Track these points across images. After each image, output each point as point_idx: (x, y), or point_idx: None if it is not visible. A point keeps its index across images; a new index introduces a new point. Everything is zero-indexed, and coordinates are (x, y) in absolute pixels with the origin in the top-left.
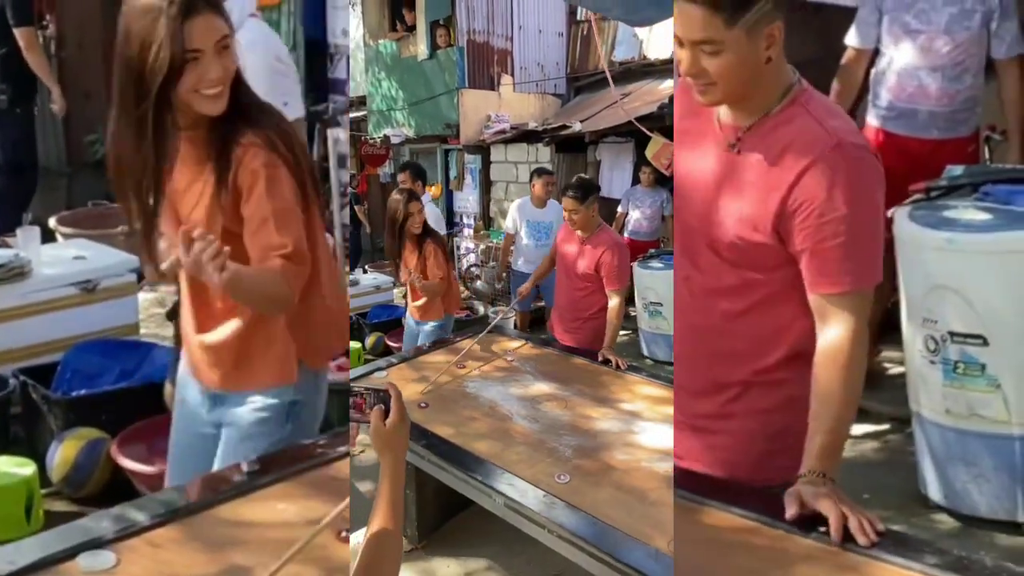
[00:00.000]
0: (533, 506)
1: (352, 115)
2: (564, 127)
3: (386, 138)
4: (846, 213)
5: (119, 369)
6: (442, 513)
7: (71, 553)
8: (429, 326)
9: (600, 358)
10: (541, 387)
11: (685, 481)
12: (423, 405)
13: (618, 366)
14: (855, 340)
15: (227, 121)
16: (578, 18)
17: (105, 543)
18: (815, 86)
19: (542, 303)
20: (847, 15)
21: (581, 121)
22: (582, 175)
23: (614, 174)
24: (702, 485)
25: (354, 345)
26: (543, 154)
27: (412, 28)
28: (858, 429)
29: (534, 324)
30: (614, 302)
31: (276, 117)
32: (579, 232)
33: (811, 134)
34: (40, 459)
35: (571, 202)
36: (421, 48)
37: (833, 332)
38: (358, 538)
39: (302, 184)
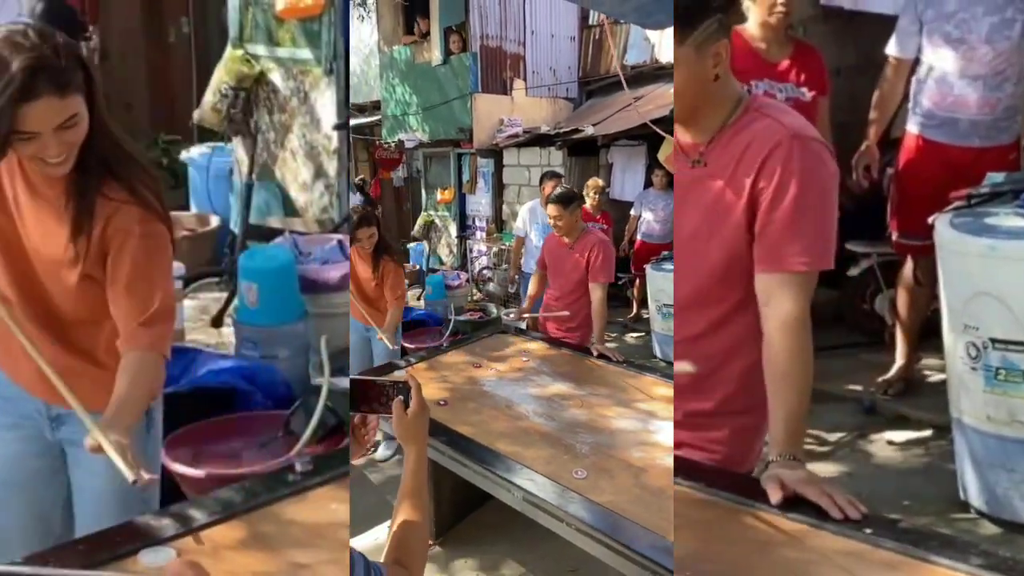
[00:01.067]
0: (551, 500)
1: (366, 120)
2: (576, 130)
3: (400, 143)
4: (795, 195)
5: (166, 374)
6: (458, 510)
7: (132, 550)
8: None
9: (595, 352)
10: (558, 387)
11: (686, 471)
12: (442, 403)
13: (609, 358)
14: (803, 320)
15: (85, 172)
16: (590, 22)
17: (165, 540)
18: (853, 93)
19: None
20: (884, 22)
21: (593, 124)
22: (565, 186)
23: (626, 177)
24: (704, 474)
25: None
26: (555, 157)
27: (426, 34)
28: (899, 436)
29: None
30: (598, 295)
31: (139, 164)
32: (565, 239)
33: (769, 130)
34: None
35: (556, 208)
36: (435, 54)
37: (780, 312)
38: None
39: (169, 228)
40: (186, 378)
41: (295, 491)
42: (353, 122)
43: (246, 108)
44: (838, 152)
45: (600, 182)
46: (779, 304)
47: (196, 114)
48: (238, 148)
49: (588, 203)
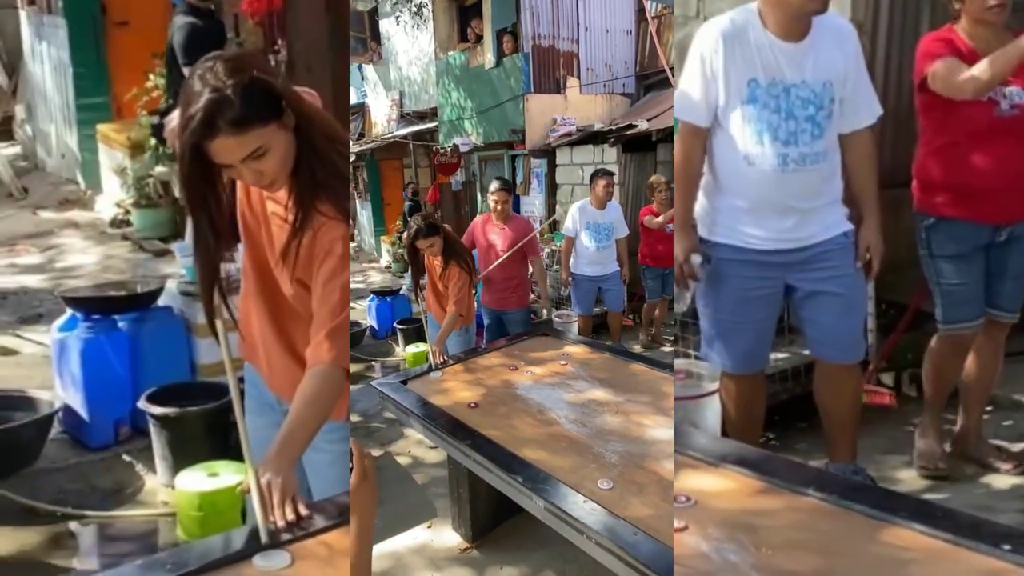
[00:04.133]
0: (572, 511)
1: (425, 126)
2: (630, 127)
3: (456, 147)
4: None
5: None
6: (496, 515)
7: (248, 553)
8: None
9: (559, 317)
10: (595, 392)
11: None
12: (473, 406)
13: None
14: None
15: (301, 187)
16: (647, 15)
17: (281, 544)
18: None
19: (603, 307)
20: None
21: (648, 119)
22: (500, 177)
23: None
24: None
25: (422, 347)
26: (609, 155)
27: (480, 38)
28: None
29: (597, 329)
30: (538, 265)
31: (345, 182)
32: (498, 221)
33: None
34: None
35: (503, 195)
36: (488, 57)
37: None
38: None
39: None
40: None
41: None
42: (413, 129)
43: None
44: None
45: (662, 179)
46: None
47: None
48: None
49: (654, 203)
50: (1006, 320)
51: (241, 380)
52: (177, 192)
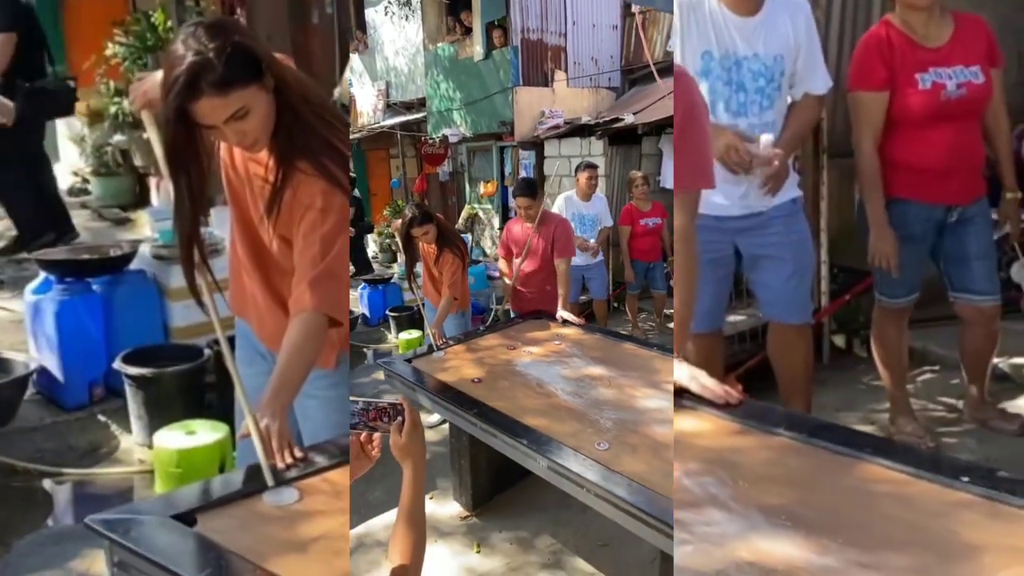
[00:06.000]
0: (573, 468)
1: (413, 117)
2: (616, 120)
3: (444, 138)
4: None
5: None
6: (494, 484)
7: (258, 490)
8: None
9: (559, 319)
10: (589, 369)
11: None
12: (476, 381)
13: (569, 322)
14: None
15: (280, 148)
16: (632, 10)
17: (289, 481)
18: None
19: (589, 296)
20: None
21: (634, 113)
22: (525, 177)
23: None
24: None
25: (415, 334)
26: (595, 147)
27: (469, 30)
28: None
29: (582, 317)
30: (564, 267)
31: (328, 143)
32: (529, 224)
33: None
34: (232, 423)
35: (525, 200)
36: (477, 49)
37: None
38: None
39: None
40: None
41: None
42: (400, 119)
43: None
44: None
45: (640, 174)
46: None
47: (336, 92)
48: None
49: (633, 198)
50: (990, 303)
51: (230, 340)
52: (136, 160)
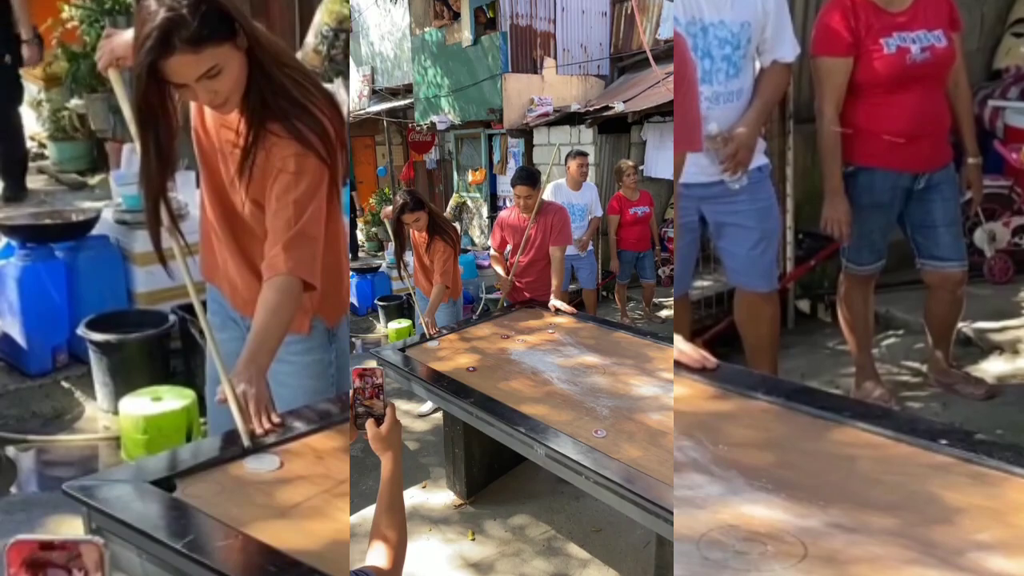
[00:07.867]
0: (571, 455)
1: (399, 103)
2: (606, 108)
3: (432, 125)
4: None
5: None
6: (488, 473)
7: (239, 455)
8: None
9: (552, 308)
10: (583, 357)
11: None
12: (472, 370)
13: (560, 311)
14: None
15: (251, 109)
16: None
17: (269, 446)
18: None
19: (578, 285)
20: None
21: (623, 101)
22: (525, 166)
23: (660, 155)
24: None
25: (404, 323)
26: (585, 136)
27: (457, 15)
28: (994, 367)
29: (572, 306)
30: (559, 255)
31: (301, 105)
32: (525, 215)
33: None
34: (198, 389)
35: (525, 189)
36: (465, 34)
37: None
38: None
39: (331, 168)
40: None
41: None
42: (386, 106)
43: (346, 49)
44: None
45: (629, 163)
46: None
47: (298, 55)
48: (339, 90)
49: (622, 188)
50: (955, 269)
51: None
52: (93, 124)
